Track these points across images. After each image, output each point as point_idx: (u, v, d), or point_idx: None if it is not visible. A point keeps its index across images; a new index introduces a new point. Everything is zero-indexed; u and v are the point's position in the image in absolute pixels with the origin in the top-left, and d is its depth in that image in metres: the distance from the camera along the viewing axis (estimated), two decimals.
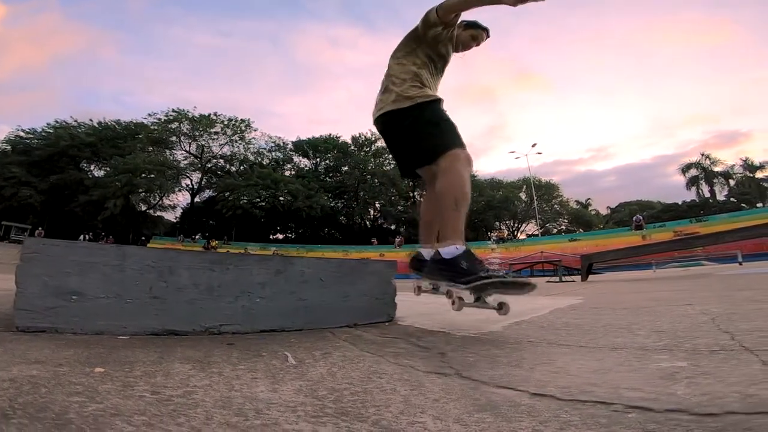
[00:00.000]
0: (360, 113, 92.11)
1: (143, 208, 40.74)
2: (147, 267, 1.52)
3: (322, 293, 1.81)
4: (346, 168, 47.33)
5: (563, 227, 52.98)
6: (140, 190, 37.14)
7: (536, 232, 47.17)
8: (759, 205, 39.11)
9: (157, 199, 40.75)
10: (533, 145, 37.86)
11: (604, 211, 61.35)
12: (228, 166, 44.12)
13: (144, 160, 36.34)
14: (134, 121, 41.60)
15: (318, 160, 49.15)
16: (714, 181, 45.84)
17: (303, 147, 48.14)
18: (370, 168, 47.04)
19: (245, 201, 38.90)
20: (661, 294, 3.71)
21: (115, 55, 76.03)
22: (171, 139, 41.81)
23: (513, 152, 45.29)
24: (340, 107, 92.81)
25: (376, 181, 46.46)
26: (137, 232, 38.35)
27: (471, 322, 2.15)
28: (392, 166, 50.30)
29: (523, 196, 53.94)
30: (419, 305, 2.91)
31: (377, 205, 49.11)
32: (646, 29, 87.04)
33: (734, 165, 45.43)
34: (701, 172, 46.08)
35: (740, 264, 12.07)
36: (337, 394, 0.81)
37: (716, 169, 45.56)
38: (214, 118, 41.99)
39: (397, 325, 2.09)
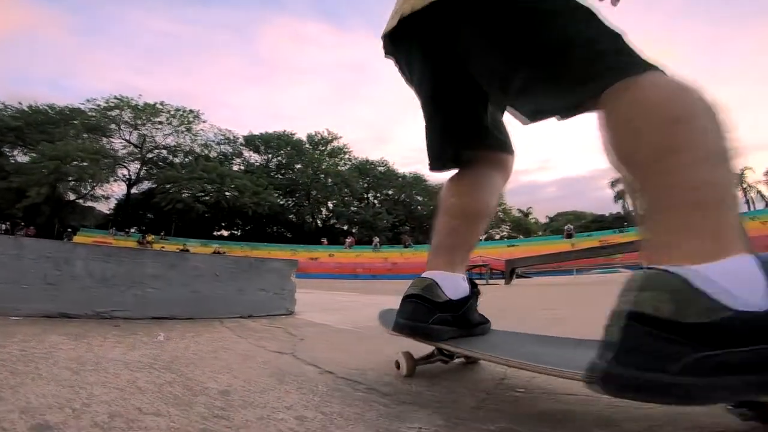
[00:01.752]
0: (319, 111, 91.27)
1: (72, 197, 37.54)
2: (43, 257, 1.67)
3: (216, 287, 2.04)
4: (299, 166, 46.75)
5: (505, 233, 56.04)
6: (70, 179, 34.21)
7: (480, 238, 49.43)
8: None
9: (89, 188, 37.74)
10: None
11: (543, 220, 65.65)
12: (171, 158, 41.90)
13: (76, 147, 33.56)
14: (70, 107, 38.33)
15: (270, 156, 48.08)
16: None
17: (255, 142, 46.87)
18: (324, 167, 46.83)
19: (187, 195, 37.18)
20: (548, 296, 4.30)
21: (60, 36, 68.97)
22: (110, 126, 39.06)
23: None
24: (299, 104, 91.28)
25: (329, 180, 46.34)
26: (64, 224, 35.21)
27: (364, 320, 2.47)
28: (347, 166, 50.62)
29: None
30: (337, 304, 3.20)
31: (330, 205, 48.95)
32: None
33: None
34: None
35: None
36: (174, 358, 1.07)
37: None
38: (160, 107, 39.80)
39: (293, 318, 2.36)
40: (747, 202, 44.25)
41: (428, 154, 1.08)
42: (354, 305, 3.55)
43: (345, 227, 46.85)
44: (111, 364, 0.94)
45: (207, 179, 37.34)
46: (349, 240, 30.85)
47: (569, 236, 28.25)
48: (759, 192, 44.37)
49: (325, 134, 50.30)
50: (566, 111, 0.74)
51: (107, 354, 1.04)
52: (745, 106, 71.40)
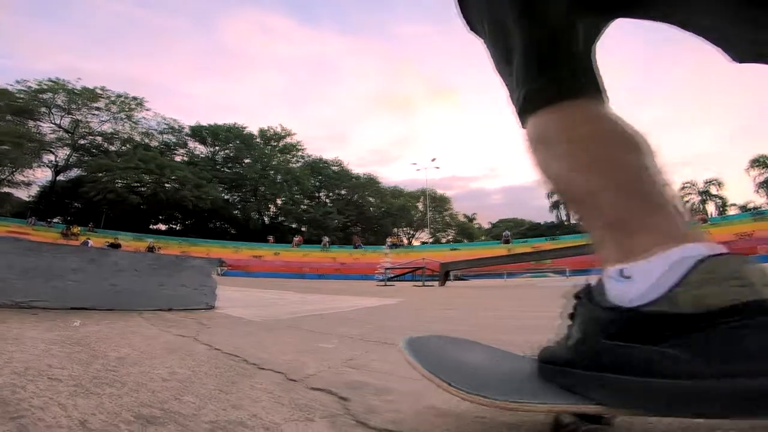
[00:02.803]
0: (275, 107, 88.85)
1: None
2: None
3: (136, 281, 2.22)
4: (248, 160, 45.37)
5: (450, 237, 58.29)
6: None
7: (428, 240, 51.09)
8: None
9: (6, 173, 33.94)
10: (433, 160, 41.20)
11: (486, 226, 69.10)
12: (107, 145, 38.88)
13: None
14: None
15: (217, 148, 46.17)
16: None
17: (202, 133, 44.79)
18: (274, 163, 45.82)
19: (122, 185, 34.73)
20: (465, 299, 4.82)
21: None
22: (40, 110, 35.51)
23: (415, 164, 48.48)
24: (255, 98, 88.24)
25: (279, 177, 45.43)
26: None
27: (282, 315, 2.74)
28: (300, 163, 49.98)
29: (420, 206, 57.85)
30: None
31: (278, 202, 47.99)
32: None
33: None
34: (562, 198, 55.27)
35: (567, 277, 15.05)
36: (85, 337, 1.30)
37: None
38: (100, 92, 36.85)
39: (212, 312, 2.58)
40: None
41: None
42: (281, 303, 3.80)
43: (293, 225, 46.13)
44: (29, 339, 1.16)
45: (145, 169, 35.13)
46: (297, 239, 30.57)
47: (507, 242, 30.12)
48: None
49: (279, 130, 49.26)
50: None
51: (23, 333, 1.25)
52: (676, 125, 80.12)
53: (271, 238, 31.81)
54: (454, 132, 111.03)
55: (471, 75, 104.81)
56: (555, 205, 56.05)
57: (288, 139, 49.86)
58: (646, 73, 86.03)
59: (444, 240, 56.64)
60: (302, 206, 46.90)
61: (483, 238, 58.37)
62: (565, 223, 53.93)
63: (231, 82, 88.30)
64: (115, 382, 0.82)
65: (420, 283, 10.22)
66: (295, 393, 0.82)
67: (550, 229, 50.57)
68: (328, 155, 75.62)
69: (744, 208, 43.92)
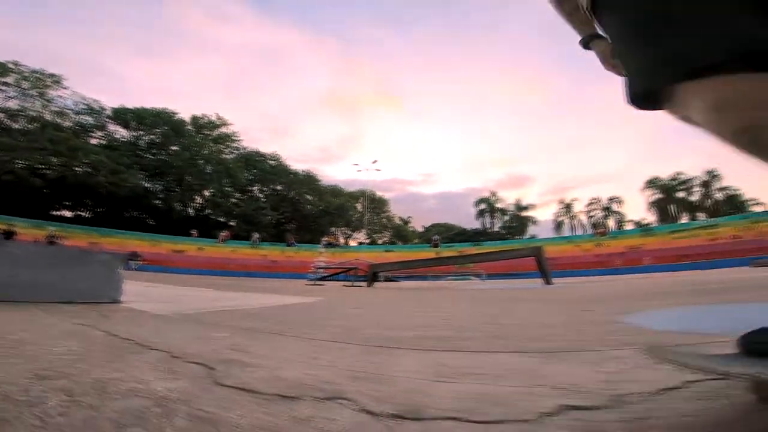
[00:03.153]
0: (216, 95, 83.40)
1: None
2: None
3: (36, 273, 2.22)
4: (175, 147, 42.18)
5: (386, 239, 59.56)
6: None
7: (365, 241, 51.70)
8: (517, 236, 52.69)
9: None
10: (374, 162, 41.78)
11: (420, 229, 71.63)
12: (10, 123, 33.76)
13: None
14: None
15: (141, 133, 42.31)
16: (495, 214, 59.51)
17: (125, 116, 40.73)
18: (205, 153, 43.16)
19: (23, 166, 30.46)
20: (381, 299, 5.19)
21: None
22: None
23: (357, 165, 49.00)
24: (194, 84, 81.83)
25: (209, 167, 42.91)
26: None
27: (189, 310, 2.85)
28: (234, 155, 47.50)
29: (359, 206, 58.30)
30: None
31: (206, 194, 45.35)
32: (488, 80, 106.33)
33: (510, 204, 60.05)
34: (488, 206, 59.28)
35: (482, 280, 16.31)
36: None
37: (498, 205, 59.41)
38: (12, 67, 31.93)
39: (117, 305, 2.63)
40: (572, 227, 55.57)
41: None
42: (193, 299, 3.84)
43: (222, 219, 43.89)
44: None
45: (52, 151, 31.16)
46: (224, 234, 29.13)
47: (436, 246, 31.59)
48: (579, 220, 55.86)
49: (214, 118, 46.66)
50: None
51: None
52: (590, 145, 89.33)
53: (194, 231, 29.91)
54: (397, 136, 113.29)
55: (419, 83, 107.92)
56: (481, 213, 59.93)
57: (223, 129, 47.29)
58: (566, 96, 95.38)
59: (380, 241, 57.70)
60: (232, 200, 44.71)
61: (416, 240, 60.44)
62: (488, 230, 57.98)
63: (169, 65, 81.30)
64: (15, 355, 1.00)
65: (350, 283, 10.52)
66: (173, 364, 1.05)
67: (476, 236, 53.95)
68: (267, 148, 72.88)
69: (638, 224, 50.64)
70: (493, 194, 61.22)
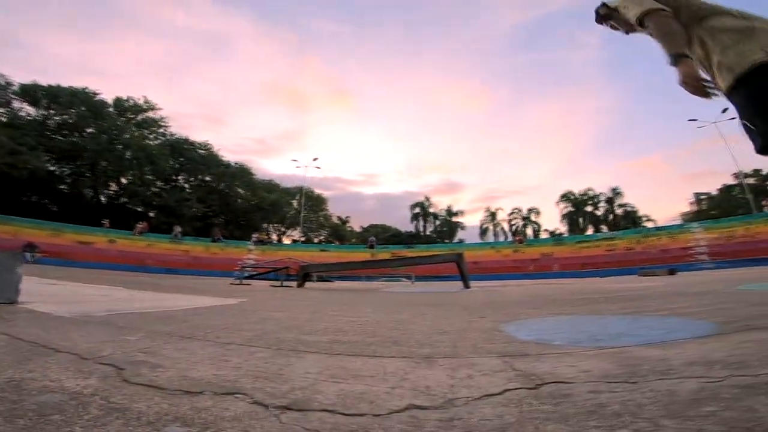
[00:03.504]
0: (149, 78, 75.47)
1: None
2: None
3: None
4: (91, 130, 37.72)
5: (323, 238, 58.93)
6: None
7: (299, 239, 50.66)
8: (447, 240, 55.45)
9: None
10: (315, 159, 41.04)
11: (358, 229, 71.96)
12: None
13: None
14: None
15: (52, 112, 37.19)
16: (428, 218, 62.01)
17: (35, 93, 35.48)
18: (126, 137, 39.16)
19: None
20: (306, 302, 5.29)
21: None
22: None
23: (296, 161, 47.86)
24: (127, 65, 72.95)
25: (129, 153, 39.05)
26: None
27: (99, 311, 2.74)
28: (159, 141, 43.52)
29: (294, 203, 56.89)
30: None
31: (123, 181, 41.26)
32: (436, 88, 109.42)
33: (442, 209, 62.88)
34: (422, 211, 61.61)
35: (412, 282, 16.98)
36: None
37: (431, 210, 61.98)
38: None
39: (14, 306, 2.47)
40: (495, 234, 59.73)
41: None
42: (102, 299, 3.64)
43: (139, 209, 40.24)
44: None
45: None
46: (141, 225, 26.68)
47: (371, 247, 32.02)
48: (502, 227, 60.23)
49: (141, 102, 42.64)
50: None
51: None
52: (513, 160, 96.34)
53: (106, 221, 26.99)
54: (343, 135, 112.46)
55: (371, 84, 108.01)
56: (415, 217, 62.06)
57: (150, 114, 43.24)
58: (502, 111, 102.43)
59: (316, 240, 56.85)
60: (154, 189, 41.05)
61: (354, 240, 60.59)
62: (421, 234, 60.26)
63: (100, 42, 71.89)
64: None
65: (279, 283, 10.37)
66: (84, 365, 1.13)
67: (409, 238, 55.71)
68: (199, 137, 68.00)
69: (552, 234, 55.93)
70: (428, 199, 63.72)
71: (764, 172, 48.46)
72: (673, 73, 1.31)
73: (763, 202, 23.85)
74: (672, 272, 13.31)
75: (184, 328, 2.07)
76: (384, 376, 1.18)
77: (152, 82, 77.52)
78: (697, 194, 52.17)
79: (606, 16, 1.54)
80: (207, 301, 4.06)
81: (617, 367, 1.21)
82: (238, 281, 11.09)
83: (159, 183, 42.61)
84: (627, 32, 1.53)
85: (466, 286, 8.49)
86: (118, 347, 1.45)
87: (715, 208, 46.05)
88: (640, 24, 1.38)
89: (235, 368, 1.21)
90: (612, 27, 1.57)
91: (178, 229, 28.05)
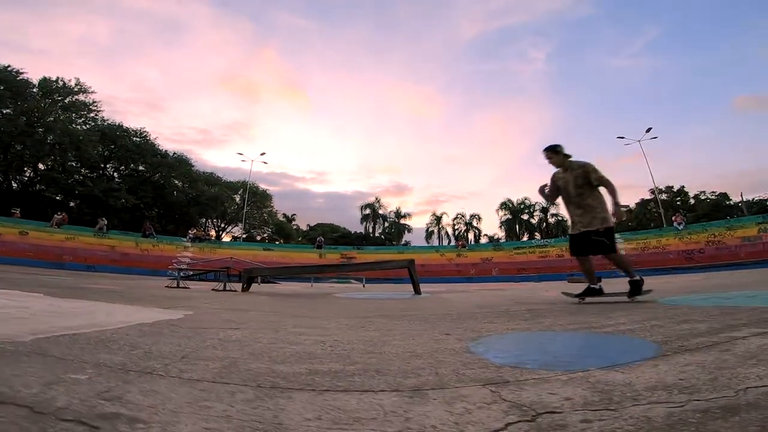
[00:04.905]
0: (85, 58, 67.01)
1: None
2: None
3: None
4: (8, 111, 33.06)
5: (267, 236, 56.89)
6: None
7: (241, 237, 48.36)
8: (395, 242, 56.19)
9: None
10: (262, 154, 39.46)
11: (305, 228, 70.47)
12: None
13: None
14: None
15: None
16: (377, 220, 62.46)
17: None
18: (50, 120, 34.87)
19: None
20: (261, 312, 5.05)
21: None
22: None
23: (241, 154, 45.60)
24: (65, 44, 64.24)
25: (50, 138, 34.83)
26: None
27: (24, 334, 2.39)
28: (88, 126, 39.08)
29: (237, 198, 54.29)
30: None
31: (41, 167, 36.78)
32: (392, 90, 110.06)
33: (391, 211, 63.67)
34: (371, 212, 61.88)
35: (363, 285, 16.95)
36: None
37: (381, 211, 62.48)
38: None
39: None
40: (440, 237, 61.62)
41: None
42: (22, 313, 3.19)
43: (58, 198, 36.14)
44: None
45: None
46: (59, 216, 23.88)
47: (319, 247, 31.57)
48: (446, 231, 62.31)
49: (72, 83, 38.22)
50: None
51: None
52: (458, 166, 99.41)
53: (16, 211, 23.81)
54: (294, 130, 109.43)
55: (328, 81, 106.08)
56: (365, 218, 62.20)
57: (82, 97, 38.70)
58: (452, 118, 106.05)
59: (259, 238, 54.68)
60: (77, 176, 36.89)
61: (300, 239, 59.19)
62: (370, 235, 60.51)
63: (40, 19, 62.87)
64: None
65: (221, 286, 9.81)
66: (45, 423, 0.97)
67: (359, 239, 55.69)
68: (135, 123, 62.27)
69: (491, 239, 58.88)
70: (378, 200, 64.22)
71: (675, 189, 55.08)
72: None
73: (673, 217, 27.13)
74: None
75: (136, 359, 1.82)
76: (385, 417, 1.14)
77: (93, 64, 70.29)
78: None
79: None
80: (147, 314, 3.68)
81: (592, 394, 1.28)
82: (174, 283, 10.30)
83: (84, 171, 38.58)
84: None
85: (417, 292, 8.65)
86: (71, 392, 1.26)
87: (633, 220, 51.49)
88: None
89: (225, 419, 1.11)
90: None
91: (103, 221, 25.61)
